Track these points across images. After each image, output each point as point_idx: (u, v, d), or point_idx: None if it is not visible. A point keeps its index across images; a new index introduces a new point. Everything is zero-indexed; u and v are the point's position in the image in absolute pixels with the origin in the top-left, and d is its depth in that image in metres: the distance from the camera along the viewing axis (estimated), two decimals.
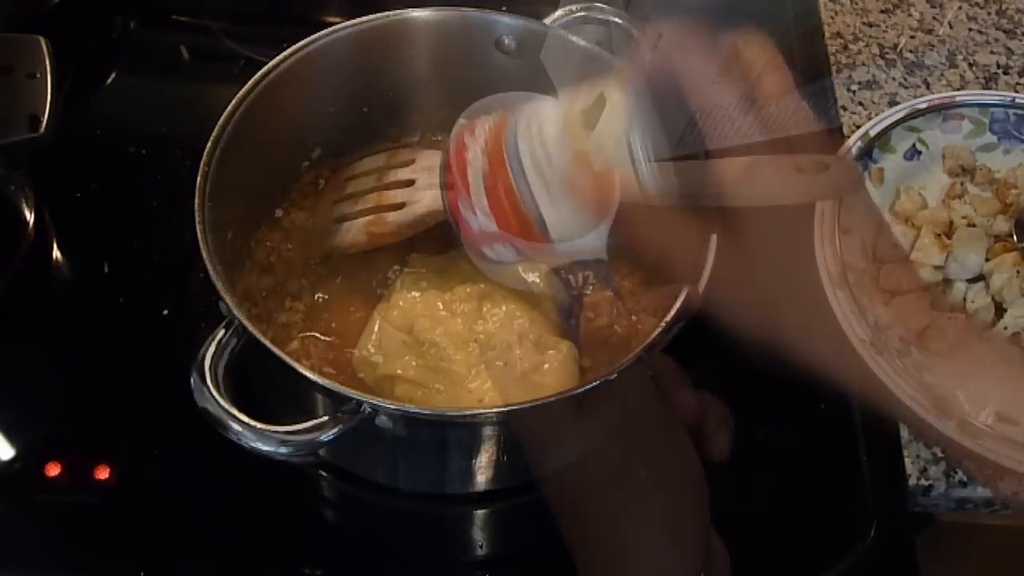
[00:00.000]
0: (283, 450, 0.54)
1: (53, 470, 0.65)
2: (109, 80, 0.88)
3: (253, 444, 0.53)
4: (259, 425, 0.53)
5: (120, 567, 0.62)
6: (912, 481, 0.68)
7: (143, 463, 0.66)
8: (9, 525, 0.64)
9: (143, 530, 0.64)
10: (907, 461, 0.68)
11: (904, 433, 0.69)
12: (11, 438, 0.67)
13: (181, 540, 0.64)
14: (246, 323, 0.56)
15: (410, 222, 0.67)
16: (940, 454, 0.69)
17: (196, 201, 0.61)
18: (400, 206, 0.67)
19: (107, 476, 0.64)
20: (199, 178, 0.62)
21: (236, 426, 0.53)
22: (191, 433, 0.64)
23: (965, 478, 0.68)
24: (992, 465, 0.68)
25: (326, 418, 0.54)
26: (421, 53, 0.75)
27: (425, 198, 0.66)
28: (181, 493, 0.66)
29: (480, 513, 0.67)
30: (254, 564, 0.64)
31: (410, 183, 0.68)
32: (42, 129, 0.68)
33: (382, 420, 0.55)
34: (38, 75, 0.70)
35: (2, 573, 0.62)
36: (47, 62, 0.71)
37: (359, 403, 0.55)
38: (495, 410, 0.58)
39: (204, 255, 0.58)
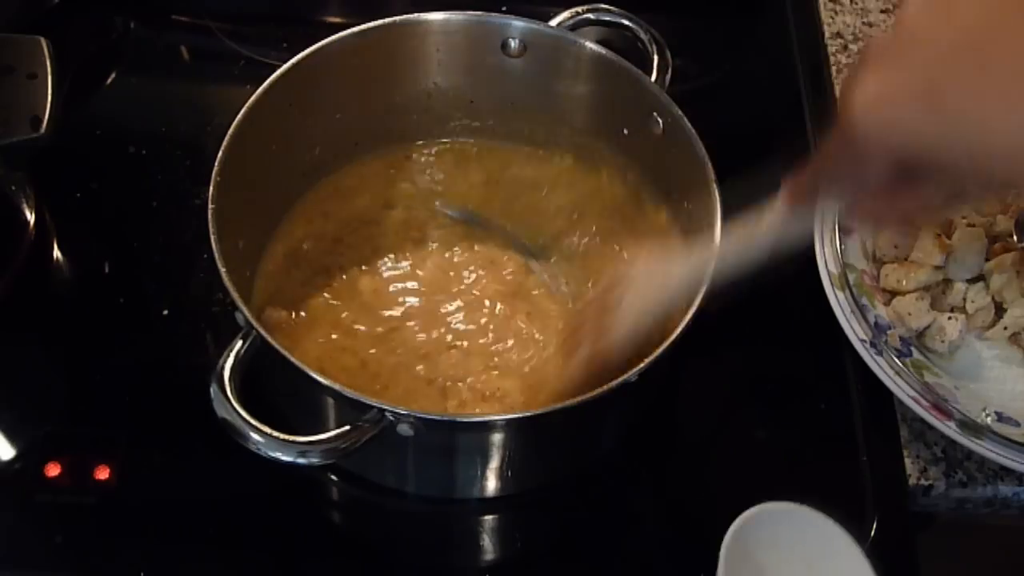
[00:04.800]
0: (302, 460, 0.54)
1: (53, 470, 0.65)
2: (109, 80, 0.88)
3: (273, 454, 0.54)
4: (280, 436, 0.54)
5: (120, 567, 0.62)
6: (912, 481, 0.68)
7: (143, 463, 0.66)
8: (9, 525, 0.64)
9: (143, 530, 0.64)
10: (907, 461, 0.68)
11: (904, 433, 0.69)
12: (11, 438, 0.67)
13: (181, 540, 0.64)
14: (267, 336, 0.56)
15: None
16: (940, 454, 0.69)
17: (209, 210, 0.61)
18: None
19: (107, 476, 0.64)
20: (211, 188, 0.62)
21: (257, 436, 0.53)
22: (192, 433, 0.64)
23: (965, 478, 0.68)
24: (992, 465, 0.68)
25: (347, 427, 0.54)
26: (427, 56, 0.75)
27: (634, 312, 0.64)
28: (181, 493, 0.66)
29: (488, 518, 0.67)
30: (256, 565, 0.64)
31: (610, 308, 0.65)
32: (42, 129, 0.68)
33: (403, 428, 0.55)
34: (38, 75, 0.70)
35: (2, 573, 0.62)
36: (47, 62, 0.71)
37: (381, 411, 0.55)
38: (519, 416, 0.59)
39: (219, 265, 0.58)
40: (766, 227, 0.57)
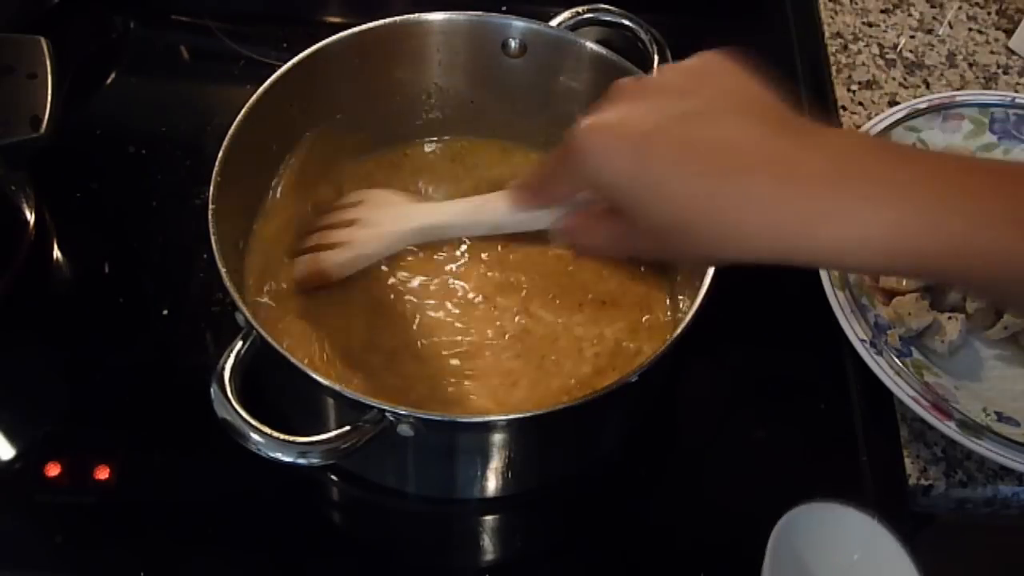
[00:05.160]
0: (302, 461, 0.54)
1: (53, 470, 0.65)
2: (109, 80, 0.88)
3: (273, 455, 0.54)
4: (280, 436, 0.53)
5: (120, 567, 0.62)
6: (912, 481, 0.68)
7: (143, 463, 0.66)
8: (9, 525, 0.64)
9: (143, 530, 0.64)
10: (907, 461, 0.68)
11: (904, 433, 0.69)
12: (11, 438, 0.67)
13: (181, 540, 0.64)
14: (267, 337, 0.56)
15: (344, 261, 0.68)
16: (940, 454, 0.69)
17: (209, 211, 0.61)
18: (334, 245, 0.69)
19: (107, 476, 0.64)
20: (211, 188, 0.62)
21: (257, 437, 0.53)
22: (192, 433, 0.64)
23: (965, 478, 0.68)
24: (992, 465, 0.68)
25: (348, 428, 0.54)
26: (428, 56, 0.75)
27: (363, 237, 0.68)
28: (181, 493, 0.66)
29: (488, 518, 0.67)
30: (256, 565, 0.64)
31: (351, 223, 0.69)
32: (42, 129, 0.68)
33: (403, 429, 0.55)
34: (38, 75, 0.70)
35: (2, 573, 0.62)
36: (47, 62, 0.71)
37: (381, 411, 0.54)
38: (520, 416, 0.58)
39: (219, 265, 0.58)
40: (498, 211, 0.61)
